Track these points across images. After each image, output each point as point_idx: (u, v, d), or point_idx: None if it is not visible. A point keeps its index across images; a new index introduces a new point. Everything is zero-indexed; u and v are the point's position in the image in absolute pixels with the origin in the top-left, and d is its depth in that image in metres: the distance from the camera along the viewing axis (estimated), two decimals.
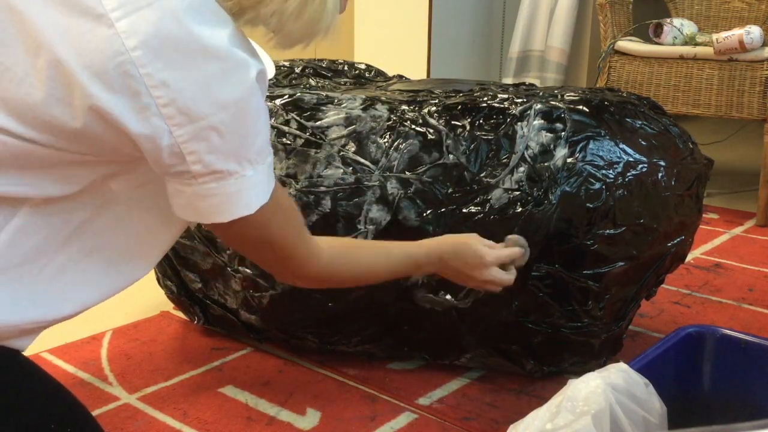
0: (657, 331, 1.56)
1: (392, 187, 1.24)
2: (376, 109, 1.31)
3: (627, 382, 0.86)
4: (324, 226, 1.24)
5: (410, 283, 1.24)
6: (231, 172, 0.74)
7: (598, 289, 1.24)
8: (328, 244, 0.98)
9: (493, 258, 1.09)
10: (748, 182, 2.75)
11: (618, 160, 1.23)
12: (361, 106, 1.32)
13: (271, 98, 1.35)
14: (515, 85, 1.48)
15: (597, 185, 1.21)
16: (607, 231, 1.21)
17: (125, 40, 0.67)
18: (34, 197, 0.75)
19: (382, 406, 1.28)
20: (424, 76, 2.93)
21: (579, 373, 0.88)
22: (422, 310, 1.27)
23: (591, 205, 1.20)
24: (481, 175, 1.23)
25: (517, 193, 1.21)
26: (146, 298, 1.69)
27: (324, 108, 1.32)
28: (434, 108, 1.30)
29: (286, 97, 1.35)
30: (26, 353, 0.83)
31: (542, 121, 1.25)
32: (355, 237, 1.23)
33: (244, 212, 0.77)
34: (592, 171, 1.21)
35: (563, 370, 1.34)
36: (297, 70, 1.64)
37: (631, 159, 1.24)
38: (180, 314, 1.61)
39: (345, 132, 1.29)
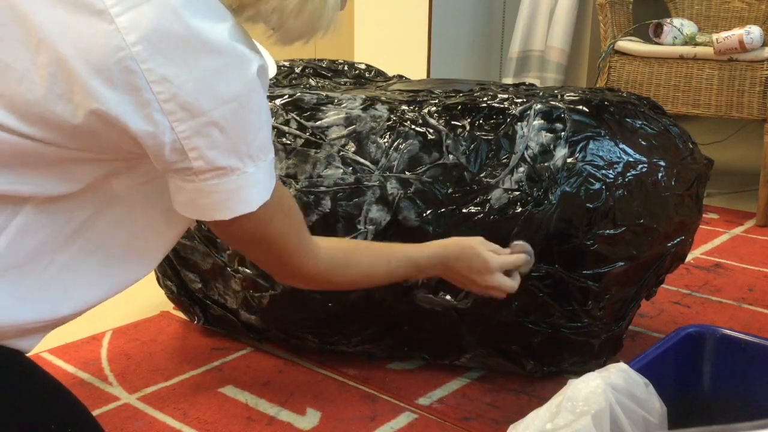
0: (657, 331, 1.56)
1: (392, 187, 1.24)
2: (376, 109, 1.31)
3: (627, 382, 0.86)
4: (324, 226, 1.23)
5: (410, 283, 1.24)
6: (233, 169, 0.74)
7: (598, 289, 1.24)
8: (328, 246, 0.97)
9: (498, 264, 1.08)
10: (748, 182, 2.75)
11: (618, 160, 1.23)
12: (361, 106, 1.32)
13: (271, 98, 1.35)
14: (515, 85, 1.48)
15: (597, 185, 1.21)
16: (607, 231, 1.21)
17: (126, 36, 0.67)
18: (36, 196, 0.75)
19: (382, 406, 1.28)
20: (424, 76, 2.93)
21: (579, 373, 0.88)
22: (422, 310, 1.27)
23: (591, 205, 1.20)
24: (481, 175, 1.23)
25: (517, 193, 1.21)
26: (146, 298, 1.69)
27: (324, 108, 1.32)
28: (434, 108, 1.30)
29: (286, 97, 1.35)
30: None
31: (542, 121, 1.25)
32: (355, 237, 1.23)
33: (245, 209, 0.77)
34: (592, 171, 1.21)
35: (563, 370, 1.34)
36: (297, 70, 1.64)
37: (631, 159, 1.24)
38: (180, 314, 1.61)
39: (345, 132, 1.29)
